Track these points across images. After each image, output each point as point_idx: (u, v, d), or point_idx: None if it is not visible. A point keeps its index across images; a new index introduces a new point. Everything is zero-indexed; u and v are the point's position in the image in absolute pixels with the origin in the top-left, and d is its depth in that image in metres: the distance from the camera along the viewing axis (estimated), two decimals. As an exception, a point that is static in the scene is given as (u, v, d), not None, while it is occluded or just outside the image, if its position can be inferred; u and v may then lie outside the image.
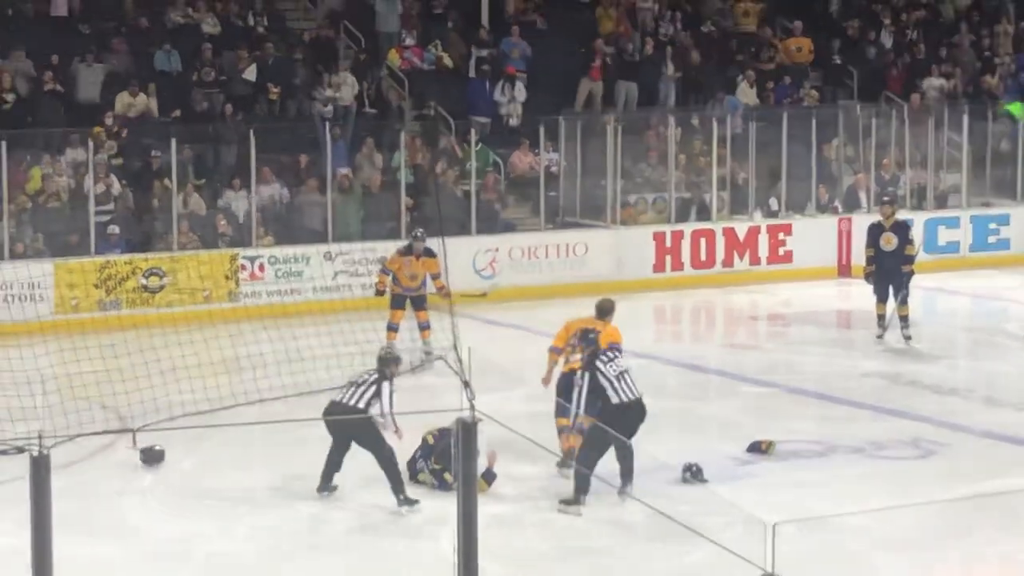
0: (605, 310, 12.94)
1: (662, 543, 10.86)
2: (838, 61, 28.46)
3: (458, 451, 5.75)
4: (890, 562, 10.87)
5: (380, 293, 18.04)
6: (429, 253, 17.92)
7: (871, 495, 12.42)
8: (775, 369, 17.41)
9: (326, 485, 12.35)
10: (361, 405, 12.03)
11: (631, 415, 12.05)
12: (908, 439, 14.14)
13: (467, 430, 5.57)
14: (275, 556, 11.05)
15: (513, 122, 24.97)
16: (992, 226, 25.06)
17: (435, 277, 17.82)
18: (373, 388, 12.12)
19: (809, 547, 10.46)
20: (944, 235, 24.74)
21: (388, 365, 12.29)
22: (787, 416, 14.99)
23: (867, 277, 18.67)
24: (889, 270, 18.36)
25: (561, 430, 12.74)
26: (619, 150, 23.39)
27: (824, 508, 11.79)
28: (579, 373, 12.28)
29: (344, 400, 12.11)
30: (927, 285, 23.12)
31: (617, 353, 12.30)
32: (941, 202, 25.52)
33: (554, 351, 12.93)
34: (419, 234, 18.16)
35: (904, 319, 18.37)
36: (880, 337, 18.46)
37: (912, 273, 18.41)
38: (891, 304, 18.41)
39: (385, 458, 12.04)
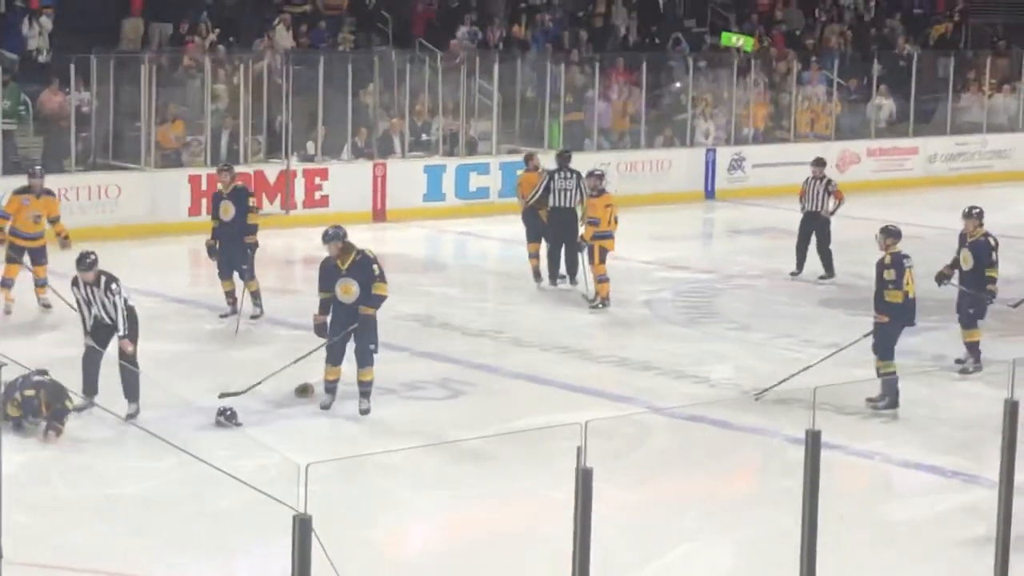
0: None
1: (195, 488, 10.81)
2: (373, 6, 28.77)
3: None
4: (420, 500, 11.18)
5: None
6: (49, 192, 17.06)
7: (402, 435, 12.73)
8: (310, 312, 17.48)
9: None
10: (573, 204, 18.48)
11: None
12: (438, 380, 14.52)
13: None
14: None
15: (42, 59, 24.15)
16: (519, 172, 25.85)
17: (54, 221, 16.89)
18: (574, 181, 18.56)
19: (342, 487, 10.62)
20: (475, 181, 25.41)
21: (567, 159, 18.87)
22: (322, 359, 15.10)
23: (210, 252, 16.74)
24: (229, 243, 16.52)
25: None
26: (154, 90, 22.97)
27: (358, 449, 11.98)
28: None
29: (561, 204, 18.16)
30: (458, 229, 23.81)
31: None
32: (472, 148, 26.17)
33: None
34: (36, 170, 17.27)
35: (255, 295, 16.70)
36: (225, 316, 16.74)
37: (256, 244, 16.58)
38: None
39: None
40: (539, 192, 18.99)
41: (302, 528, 4.98)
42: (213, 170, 22.78)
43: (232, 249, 16.49)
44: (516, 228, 21.11)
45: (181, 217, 22.50)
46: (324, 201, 23.91)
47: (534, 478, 11.39)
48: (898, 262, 13.64)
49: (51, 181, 21.25)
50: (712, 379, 14.85)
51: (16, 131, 22.42)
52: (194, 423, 12.57)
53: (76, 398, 12.34)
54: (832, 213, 19.73)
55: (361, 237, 22.76)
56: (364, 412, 13.18)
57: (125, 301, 12.64)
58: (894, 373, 13.69)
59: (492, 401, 13.95)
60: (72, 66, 22.42)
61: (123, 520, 10.62)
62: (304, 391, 13.58)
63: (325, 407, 13.23)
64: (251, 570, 10.04)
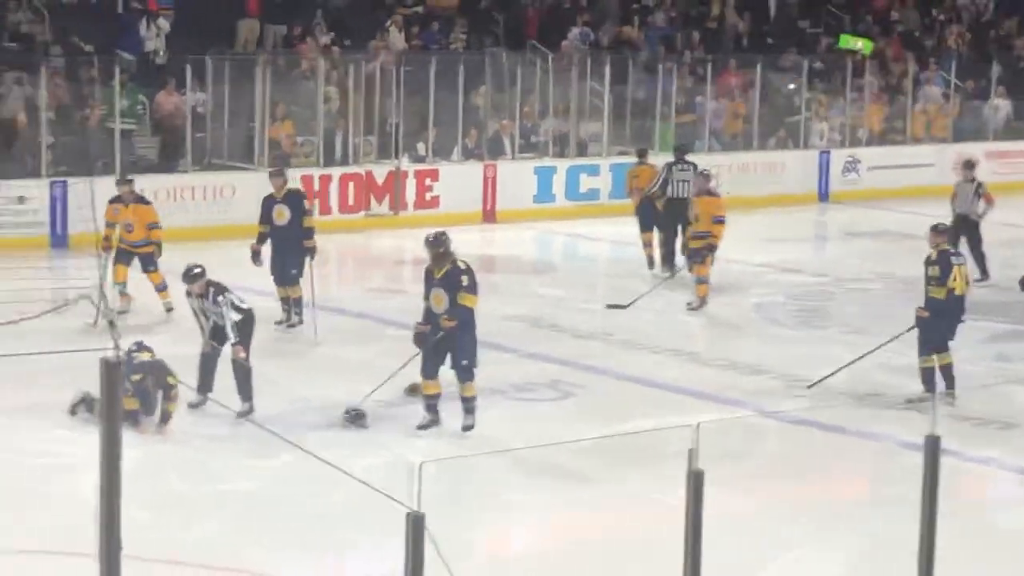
0: None
1: (306, 485, 10.90)
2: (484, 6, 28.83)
3: (102, 393, 5.59)
4: (529, 502, 11.16)
5: (106, 250, 16.30)
6: (142, 200, 16.92)
7: (511, 436, 12.72)
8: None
9: None
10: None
11: None
12: (548, 381, 14.51)
13: (111, 371, 5.38)
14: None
15: (159, 60, 24.48)
16: (630, 169, 25.76)
17: (153, 227, 16.71)
18: (691, 172, 18.53)
19: (451, 487, 10.65)
20: (585, 182, 25.39)
21: (685, 152, 19.34)
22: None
23: (254, 257, 16.47)
24: (284, 247, 16.28)
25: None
26: (268, 92, 23.19)
27: (465, 449, 12.00)
28: None
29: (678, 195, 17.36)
30: (568, 231, 23.79)
31: None
32: (582, 150, 26.16)
33: None
34: (125, 179, 17.25)
35: (297, 302, 16.22)
36: (283, 323, 16.21)
37: (314, 249, 16.26)
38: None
39: None
40: (659, 182, 19.82)
41: (415, 526, 5.00)
42: (326, 171, 23.09)
43: (287, 253, 16.23)
44: (626, 230, 21.16)
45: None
46: (435, 202, 24.00)
47: (644, 481, 11.37)
48: (944, 259, 13.56)
49: (167, 181, 21.67)
50: (823, 384, 14.70)
51: (134, 131, 22.72)
52: (306, 422, 12.66)
53: (178, 377, 12.44)
54: (982, 216, 19.58)
55: (470, 238, 22.98)
56: (467, 429, 12.60)
57: (235, 306, 12.74)
58: (931, 368, 13.67)
59: (602, 403, 13.90)
60: (188, 67, 22.70)
61: (236, 516, 10.72)
62: (414, 390, 13.58)
63: (423, 428, 12.65)
64: (362, 567, 10.09)
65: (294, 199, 16.53)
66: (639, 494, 11.26)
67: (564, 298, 18.88)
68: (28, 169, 21.10)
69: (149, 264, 16.68)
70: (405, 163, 24.00)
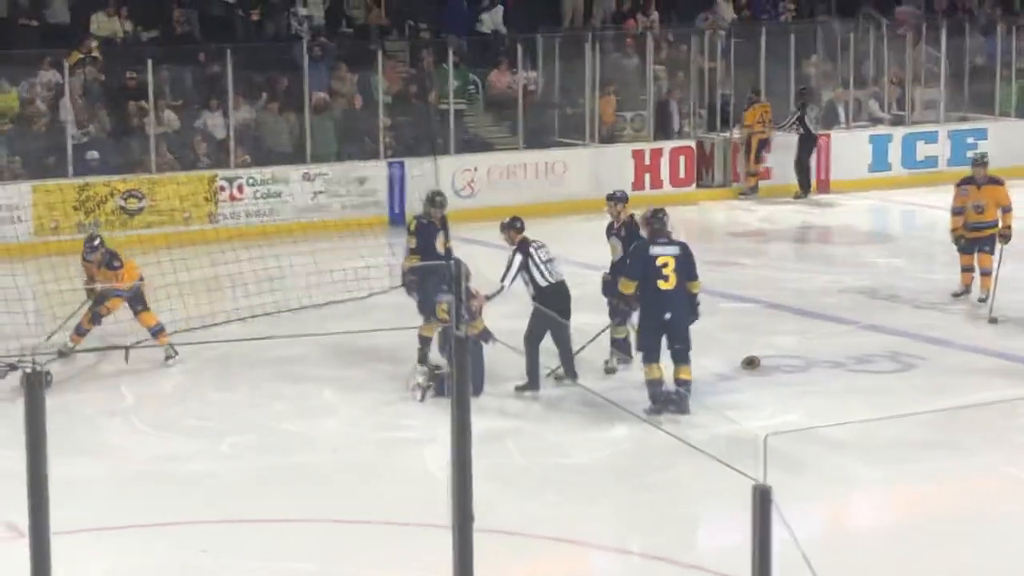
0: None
1: (645, 458, 10.91)
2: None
3: (451, 368, 5.66)
4: (871, 475, 10.95)
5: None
6: (111, 264, 13.51)
7: (851, 409, 12.49)
8: (755, 285, 17.41)
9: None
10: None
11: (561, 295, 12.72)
12: (887, 353, 14.18)
13: (459, 346, 5.44)
14: (257, 476, 11.04)
15: (494, 39, 24.82)
16: (970, 140, 24.97)
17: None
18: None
19: (791, 460, 10.51)
20: (922, 150, 24.76)
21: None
22: (767, 332, 15.03)
23: (410, 289, 13.60)
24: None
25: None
26: (598, 69, 23.28)
27: (804, 422, 11.83)
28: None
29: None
30: (905, 200, 23.23)
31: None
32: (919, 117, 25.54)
33: None
34: (92, 238, 14.00)
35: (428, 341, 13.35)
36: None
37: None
38: None
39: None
40: None
41: (762, 499, 4.92)
42: (657, 145, 23.09)
43: (429, 292, 13.41)
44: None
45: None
46: (766, 173, 23.71)
47: (992, 454, 11.05)
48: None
49: (500, 159, 21.97)
50: None
51: (465, 111, 23.08)
52: (629, 398, 12.49)
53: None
54: None
55: (804, 209, 22.69)
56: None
57: (531, 275, 12.73)
58: None
59: (945, 375, 13.50)
60: (519, 46, 22.97)
61: (576, 488, 10.76)
62: (751, 364, 13.49)
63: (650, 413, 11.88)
64: (709, 539, 10.05)
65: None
66: (987, 467, 10.94)
67: (902, 268, 18.44)
68: (367, 151, 21.68)
69: (138, 304, 13.77)
70: (736, 134, 23.81)
